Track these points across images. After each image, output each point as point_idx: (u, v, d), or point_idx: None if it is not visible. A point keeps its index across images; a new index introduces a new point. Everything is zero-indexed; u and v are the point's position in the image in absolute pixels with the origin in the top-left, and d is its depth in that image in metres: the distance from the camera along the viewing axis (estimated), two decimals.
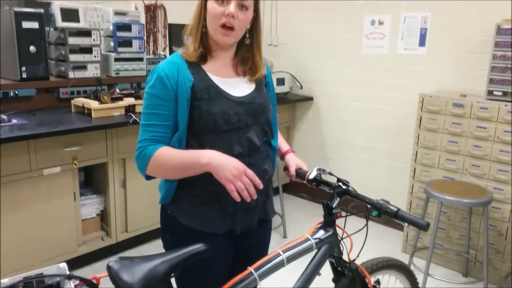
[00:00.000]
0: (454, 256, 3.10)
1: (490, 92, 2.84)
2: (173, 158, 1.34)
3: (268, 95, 1.57)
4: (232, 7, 1.34)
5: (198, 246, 1.30)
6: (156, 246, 3.20)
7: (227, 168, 1.27)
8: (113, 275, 1.18)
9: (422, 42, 3.42)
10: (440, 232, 3.11)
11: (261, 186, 1.31)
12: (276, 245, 1.54)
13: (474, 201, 2.62)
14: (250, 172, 1.30)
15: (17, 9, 2.71)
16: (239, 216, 1.47)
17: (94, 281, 1.38)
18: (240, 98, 1.44)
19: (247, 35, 1.45)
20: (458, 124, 2.95)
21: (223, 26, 1.36)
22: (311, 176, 1.58)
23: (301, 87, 4.22)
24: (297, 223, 3.75)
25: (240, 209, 1.46)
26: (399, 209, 1.40)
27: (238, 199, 1.27)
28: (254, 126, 1.47)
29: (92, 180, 3.13)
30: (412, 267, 2.93)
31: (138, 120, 2.76)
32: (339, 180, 1.54)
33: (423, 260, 3.09)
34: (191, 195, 1.44)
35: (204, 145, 1.40)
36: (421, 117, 3.11)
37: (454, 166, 3.01)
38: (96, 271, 2.65)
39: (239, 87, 1.47)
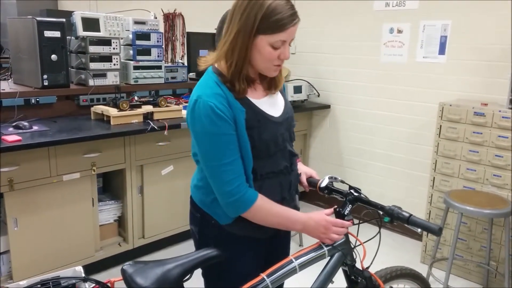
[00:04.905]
0: (474, 267, 3.03)
1: None
2: (272, 215, 1.40)
3: (289, 103, 1.58)
4: (289, 53, 1.37)
5: (210, 251, 1.31)
6: (173, 253, 3.21)
7: (316, 230, 1.44)
8: (127, 278, 1.20)
9: (442, 51, 3.38)
10: (460, 243, 3.05)
11: (346, 224, 1.49)
12: (291, 253, 1.52)
13: (496, 212, 2.56)
14: (334, 227, 1.46)
15: (39, 18, 2.79)
16: None
17: (109, 285, 1.39)
18: (280, 119, 1.46)
19: None
20: (479, 134, 2.89)
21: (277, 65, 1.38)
22: (323, 184, 1.58)
23: (318, 95, 4.21)
24: None
25: None
26: (411, 215, 1.39)
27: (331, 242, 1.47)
28: (288, 138, 1.50)
29: (110, 186, 3.18)
30: (431, 278, 2.87)
31: (155, 127, 2.79)
32: (350, 187, 1.53)
33: (443, 271, 3.02)
34: None
35: (255, 168, 1.39)
36: (440, 126, 3.07)
37: (475, 176, 2.95)
38: (113, 276, 2.66)
39: (274, 105, 1.47)
